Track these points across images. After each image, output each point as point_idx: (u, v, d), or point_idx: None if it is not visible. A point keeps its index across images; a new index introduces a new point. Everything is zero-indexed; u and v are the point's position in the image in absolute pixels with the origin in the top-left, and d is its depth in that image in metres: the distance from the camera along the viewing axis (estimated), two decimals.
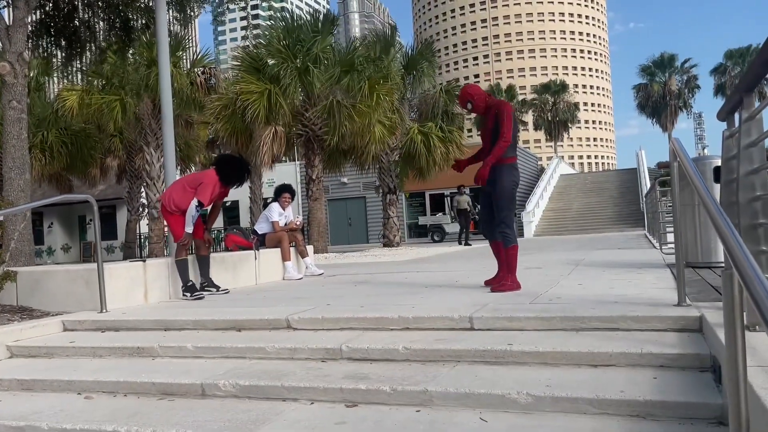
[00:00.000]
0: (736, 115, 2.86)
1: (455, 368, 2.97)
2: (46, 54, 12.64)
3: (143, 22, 12.32)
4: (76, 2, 11.63)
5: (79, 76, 17.09)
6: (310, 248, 8.03)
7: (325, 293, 5.38)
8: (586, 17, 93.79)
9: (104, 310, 4.82)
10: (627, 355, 2.81)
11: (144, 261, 5.67)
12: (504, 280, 4.72)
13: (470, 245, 16.97)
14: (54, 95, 19.97)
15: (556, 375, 2.74)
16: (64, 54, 12.44)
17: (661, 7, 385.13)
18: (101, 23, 12.39)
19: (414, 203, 29.50)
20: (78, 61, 13.19)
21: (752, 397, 1.79)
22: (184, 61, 17.25)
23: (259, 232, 7.73)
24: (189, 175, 6.06)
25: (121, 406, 3.03)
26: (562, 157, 50.67)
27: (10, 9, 8.81)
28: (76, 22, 11.81)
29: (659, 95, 50.35)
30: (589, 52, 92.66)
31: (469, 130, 58.17)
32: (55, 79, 20.25)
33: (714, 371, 2.60)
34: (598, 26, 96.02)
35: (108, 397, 3.23)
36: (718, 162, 5.25)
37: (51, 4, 11.54)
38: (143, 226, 22.76)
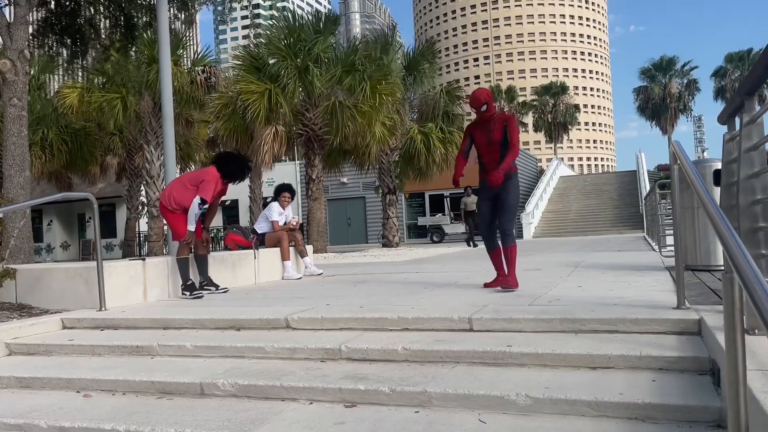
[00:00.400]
0: (737, 119, 2.86)
1: (454, 369, 2.97)
2: (51, 52, 12.65)
3: (146, 20, 12.32)
4: (80, 0, 11.64)
5: (81, 74, 17.10)
6: (309, 248, 8.03)
7: (324, 293, 5.39)
8: (587, 19, 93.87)
9: (103, 309, 4.82)
10: (626, 358, 2.81)
11: (143, 260, 5.67)
12: (511, 277, 4.83)
13: (476, 246, 16.66)
14: (54, 92, 19.96)
15: (555, 377, 2.75)
16: (69, 52, 12.46)
17: (661, 11, 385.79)
18: (105, 21, 12.41)
19: (413, 204, 29.49)
20: (82, 59, 13.20)
21: (751, 401, 1.80)
22: (185, 59, 17.25)
23: (259, 232, 7.73)
24: (189, 173, 6.05)
25: (119, 405, 3.03)
26: (562, 158, 50.69)
27: (12, 6, 8.80)
28: (80, 20, 11.82)
29: (659, 98, 50.39)
30: (589, 54, 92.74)
31: None
32: (56, 76, 20.25)
33: (713, 374, 2.61)
34: (599, 29, 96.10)
35: (107, 395, 3.23)
36: (719, 165, 5.26)
37: (54, 2, 11.55)
38: (142, 224, 22.76)
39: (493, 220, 4.96)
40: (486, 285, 5.13)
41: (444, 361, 3.08)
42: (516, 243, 4.92)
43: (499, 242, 4.99)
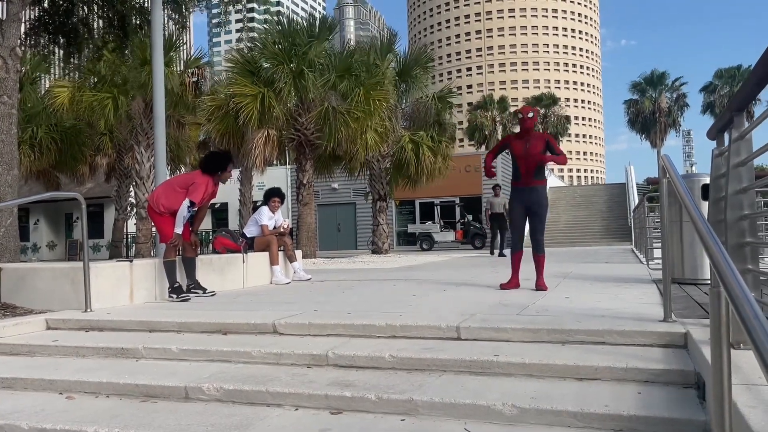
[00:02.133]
0: (726, 134, 2.89)
1: (441, 378, 2.97)
2: (45, 51, 12.60)
3: (137, 22, 12.29)
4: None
5: (73, 73, 17.03)
6: (298, 253, 8.01)
7: (312, 299, 5.37)
8: (579, 32, 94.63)
9: (89, 310, 4.77)
10: (612, 370, 2.82)
11: (131, 261, 5.63)
12: (540, 280, 5.53)
13: (503, 255, 13.92)
14: (45, 90, 19.85)
15: (542, 387, 2.75)
16: (62, 51, 12.41)
17: (652, 26, 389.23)
18: (99, 21, 12.38)
19: (403, 211, 29.51)
20: (77, 59, 13.15)
21: (736, 415, 1.81)
22: (177, 61, 17.22)
23: (248, 236, 7.70)
24: (178, 176, 6.04)
25: (103, 407, 3.00)
26: (552, 169, 50.90)
27: (4, 3, 8.74)
28: (74, 20, 11.78)
29: (649, 112, 50.77)
30: (581, 66, 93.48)
31: (461, 140, 58.37)
32: (49, 75, 20.15)
33: (698, 388, 2.62)
34: (591, 42, 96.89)
35: (90, 397, 3.19)
36: (707, 179, 5.31)
37: (48, 1, 11.51)
38: (131, 225, 22.62)
39: (524, 225, 5.56)
40: (502, 286, 5.61)
41: (431, 370, 3.08)
42: (545, 252, 5.61)
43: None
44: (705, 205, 4.78)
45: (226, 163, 5.89)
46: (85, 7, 12.15)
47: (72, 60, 13.18)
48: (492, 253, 14.82)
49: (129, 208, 21.38)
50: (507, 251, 12.62)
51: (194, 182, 5.64)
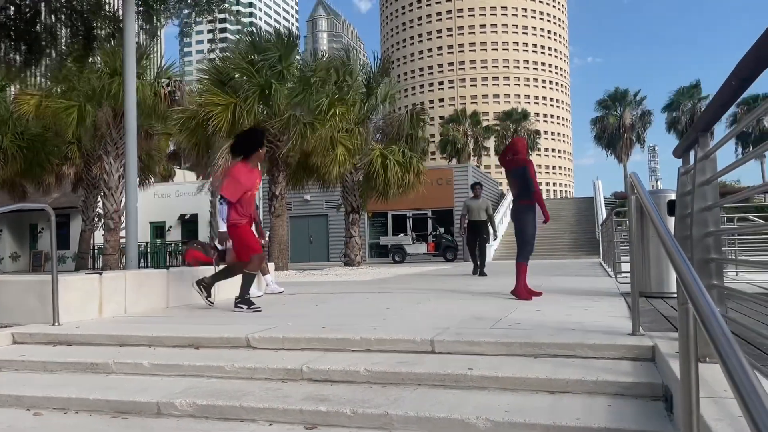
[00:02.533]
0: (692, 153, 2.98)
1: (416, 391, 2.98)
2: (7, 59, 12.37)
3: (109, 31, 12.16)
4: (39, 7, 11.44)
5: (35, 81, 16.76)
6: (271, 265, 7.96)
7: (285, 312, 5.35)
8: (549, 48, 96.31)
9: (57, 324, 4.68)
10: (583, 383, 2.87)
11: (100, 274, 5.54)
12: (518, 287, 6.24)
13: (484, 275, 10.59)
14: (13, 98, 19.46)
15: (515, 400, 2.79)
16: (23, 59, 12.20)
17: (619, 44, 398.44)
18: (64, 30, 12.21)
19: (376, 223, 29.55)
20: (36, 67, 12.92)
21: (703, 428, 1.86)
22: (149, 71, 17.06)
23: (220, 248, 7.62)
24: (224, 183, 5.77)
25: (72, 424, 2.95)
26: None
27: None
28: (39, 28, 11.60)
29: (614, 128, 51.84)
30: (551, 82, 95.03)
31: (433, 153, 58.77)
32: (23, 84, 19.81)
33: (665, 400, 2.68)
34: (560, 58, 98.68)
35: (59, 414, 3.13)
36: (673, 195, 5.45)
37: (12, 8, 11.32)
38: (98, 236, 22.20)
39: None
40: (527, 296, 6.17)
41: (406, 383, 3.09)
42: (522, 262, 6.34)
43: None
44: (671, 221, 4.91)
45: (261, 137, 5.71)
46: (52, 16, 11.98)
47: (33, 68, 12.96)
48: (476, 272, 10.83)
49: (96, 219, 20.99)
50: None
51: (229, 176, 5.54)
